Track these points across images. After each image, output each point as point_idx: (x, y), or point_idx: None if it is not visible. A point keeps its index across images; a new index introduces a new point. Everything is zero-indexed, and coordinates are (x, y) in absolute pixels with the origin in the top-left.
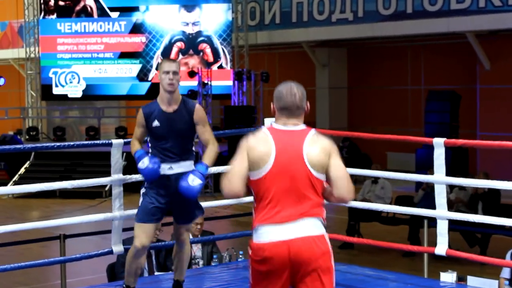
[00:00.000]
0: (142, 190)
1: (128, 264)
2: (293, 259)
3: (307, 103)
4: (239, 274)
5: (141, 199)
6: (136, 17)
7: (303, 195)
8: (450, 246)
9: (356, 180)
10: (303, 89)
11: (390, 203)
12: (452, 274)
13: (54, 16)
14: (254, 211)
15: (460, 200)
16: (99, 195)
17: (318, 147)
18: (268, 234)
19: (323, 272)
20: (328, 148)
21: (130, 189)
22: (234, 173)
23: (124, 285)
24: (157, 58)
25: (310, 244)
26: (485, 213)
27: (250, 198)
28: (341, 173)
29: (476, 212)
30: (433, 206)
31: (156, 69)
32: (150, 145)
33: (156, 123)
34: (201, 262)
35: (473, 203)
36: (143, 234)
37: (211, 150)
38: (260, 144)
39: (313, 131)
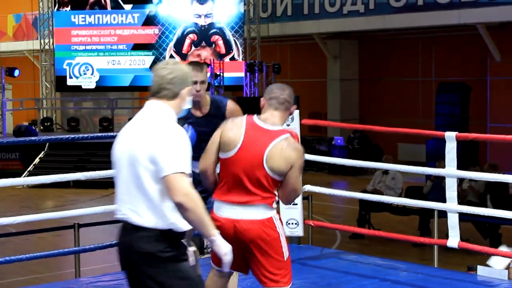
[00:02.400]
0: None
1: None
2: (239, 237)
3: (293, 106)
4: None
5: None
6: (149, 9)
7: (251, 190)
8: (461, 236)
9: (367, 170)
10: (292, 91)
11: (401, 194)
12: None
13: (68, 8)
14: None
15: (472, 188)
16: (113, 185)
17: (282, 155)
18: (219, 209)
19: (270, 252)
20: (292, 160)
21: None
22: (208, 151)
23: None
24: (169, 50)
25: (255, 225)
26: (494, 204)
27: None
28: (290, 185)
29: (485, 202)
30: (442, 196)
31: None
32: None
33: (186, 126)
34: None
35: (484, 193)
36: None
37: None
38: (234, 130)
39: (285, 135)
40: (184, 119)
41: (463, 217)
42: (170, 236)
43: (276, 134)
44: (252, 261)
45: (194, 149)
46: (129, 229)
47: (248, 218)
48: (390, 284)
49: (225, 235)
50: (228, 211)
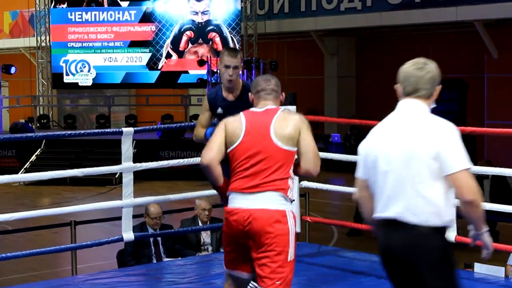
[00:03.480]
0: None
1: None
2: (249, 228)
3: (282, 94)
4: None
5: None
6: (146, 6)
7: (268, 169)
8: (458, 233)
9: None
10: (278, 80)
11: None
12: None
13: (64, 5)
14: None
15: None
16: (109, 182)
17: (287, 123)
18: (233, 201)
19: (274, 247)
20: (298, 124)
21: (140, 176)
22: (212, 144)
23: None
24: (166, 47)
25: (266, 217)
26: (492, 200)
27: None
28: (309, 147)
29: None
30: None
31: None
32: None
33: (219, 110)
34: (210, 248)
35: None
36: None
37: None
38: (235, 123)
39: (282, 109)
40: (217, 103)
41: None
42: (443, 233)
43: (275, 110)
44: (254, 256)
45: None
46: (403, 228)
47: (261, 207)
48: (387, 281)
49: (237, 230)
50: (241, 201)
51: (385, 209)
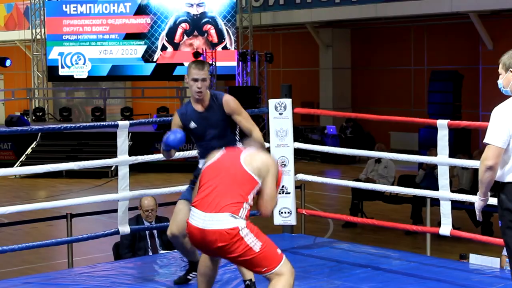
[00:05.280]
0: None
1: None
2: (206, 245)
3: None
4: None
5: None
6: None
7: (227, 193)
8: (453, 225)
9: (360, 159)
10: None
11: (393, 182)
12: None
13: None
14: None
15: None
16: (105, 175)
17: (257, 156)
18: (192, 216)
19: (234, 253)
20: (269, 162)
21: (136, 169)
22: None
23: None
24: (162, 39)
25: (217, 237)
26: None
27: None
28: (270, 193)
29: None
30: (434, 185)
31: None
32: (196, 145)
33: (192, 124)
34: None
35: (476, 181)
36: (172, 223)
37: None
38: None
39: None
40: (189, 117)
41: (456, 205)
42: None
43: (243, 149)
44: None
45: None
46: None
47: (212, 228)
48: (382, 273)
49: (194, 242)
50: (196, 220)
51: None
